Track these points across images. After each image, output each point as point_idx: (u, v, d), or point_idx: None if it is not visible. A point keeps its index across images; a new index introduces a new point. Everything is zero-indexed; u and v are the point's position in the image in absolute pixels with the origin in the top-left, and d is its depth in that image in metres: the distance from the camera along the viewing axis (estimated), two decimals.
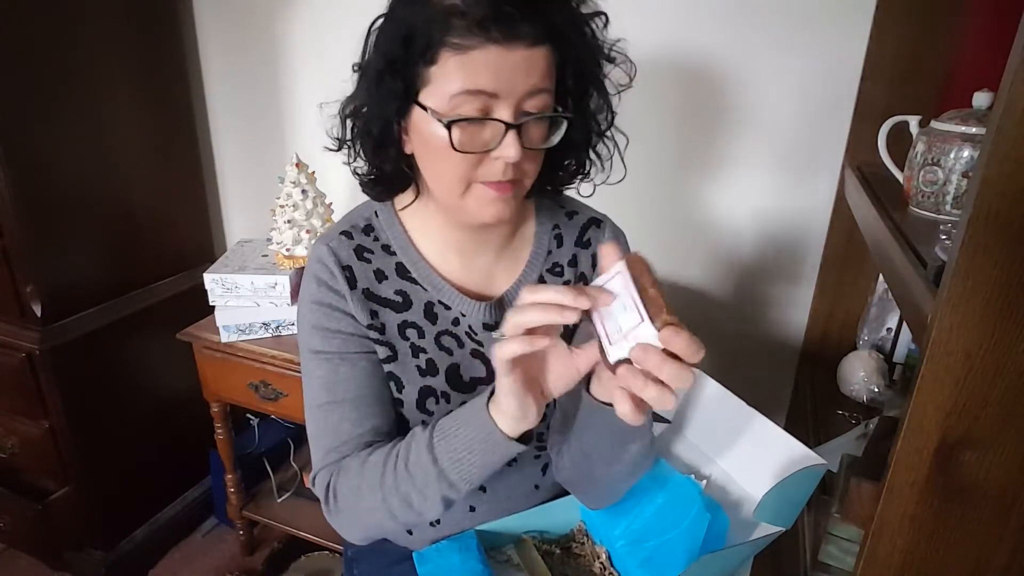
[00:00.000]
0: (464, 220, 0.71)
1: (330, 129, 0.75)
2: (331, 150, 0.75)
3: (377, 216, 0.78)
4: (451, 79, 0.61)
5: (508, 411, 0.60)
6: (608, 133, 0.75)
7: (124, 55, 1.45)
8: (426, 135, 0.65)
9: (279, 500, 1.64)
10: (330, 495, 0.72)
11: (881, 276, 1.21)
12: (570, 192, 0.83)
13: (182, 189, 1.67)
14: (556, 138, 0.67)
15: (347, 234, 0.76)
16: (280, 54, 1.57)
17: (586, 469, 0.74)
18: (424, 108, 0.64)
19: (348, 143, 0.73)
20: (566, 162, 0.76)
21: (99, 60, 1.40)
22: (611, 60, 0.71)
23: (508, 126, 0.62)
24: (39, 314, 1.36)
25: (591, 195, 0.81)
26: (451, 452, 0.64)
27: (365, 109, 0.70)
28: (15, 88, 1.25)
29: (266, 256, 1.48)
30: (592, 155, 0.77)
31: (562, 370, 0.60)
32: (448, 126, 0.62)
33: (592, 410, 0.64)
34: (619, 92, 0.74)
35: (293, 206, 1.38)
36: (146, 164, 1.55)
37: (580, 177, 0.79)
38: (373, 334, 0.74)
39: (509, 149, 0.62)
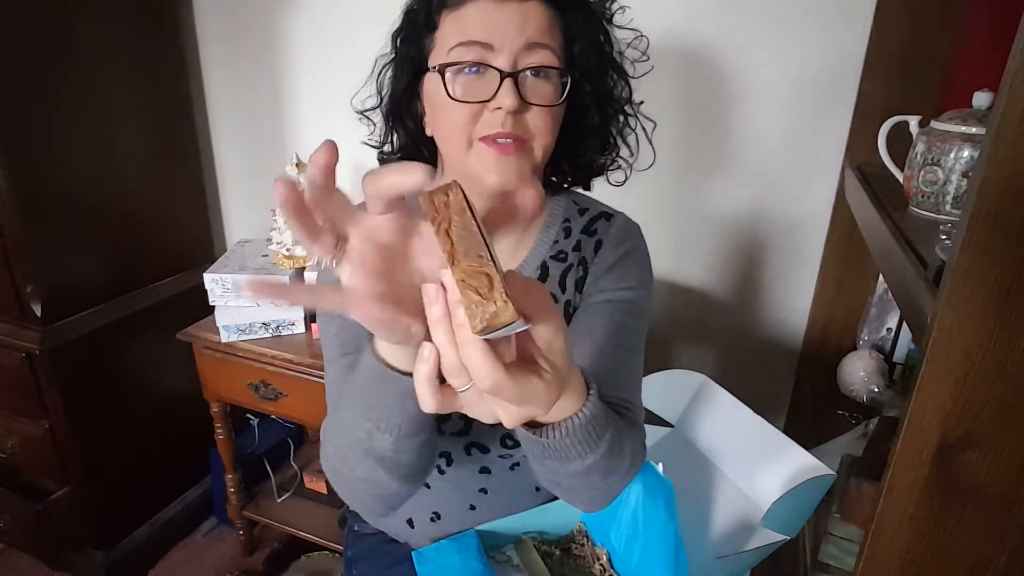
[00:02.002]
0: (475, 188, 0.70)
1: (355, 100, 0.79)
2: (363, 114, 0.79)
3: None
4: (449, 36, 0.65)
5: (384, 336, 0.47)
6: (629, 111, 0.76)
7: (124, 55, 1.45)
8: (432, 96, 0.68)
9: (279, 500, 1.64)
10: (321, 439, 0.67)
11: (881, 276, 1.21)
12: (599, 182, 0.83)
13: (182, 189, 1.67)
14: (562, 98, 0.67)
15: None
16: (280, 54, 1.57)
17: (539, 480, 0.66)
18: (429, 70, 0.67)
19: (375, 110, 0.77)
20: (587, 140, 0.75)
21: (99, 60, 1.40)
22: (608, 20, 0.71)
23: (503, 75, 0.63)
24: (39, 314, 1.36)
25: (623, 182, 0.81)
26: (362, 399, 0.56)
27: (387, 80, 0.74)
28: (15, 88, 1.25)
29: (266, 256, 1.48)
30: (616, 139, 0.77)
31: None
32: (442, 71, 0.64)
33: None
34: (635, 73, 0.75)
35: None
36: (146, 164, 1.55)
37: (608, 162, 0.79)
38: None
39: (505, 98, 0.63)
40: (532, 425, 0.53)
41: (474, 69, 0.64)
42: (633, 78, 0.76)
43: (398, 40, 0.72)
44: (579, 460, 0.56)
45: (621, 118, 0.76)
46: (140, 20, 1.47)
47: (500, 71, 0.63)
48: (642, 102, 0.78)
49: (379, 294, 0.40)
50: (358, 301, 0.40)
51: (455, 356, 0.40)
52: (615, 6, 0.73)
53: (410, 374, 0.47)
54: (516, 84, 0.63)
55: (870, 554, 0.60)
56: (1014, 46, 0.45)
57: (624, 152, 0.79)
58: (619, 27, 0.74)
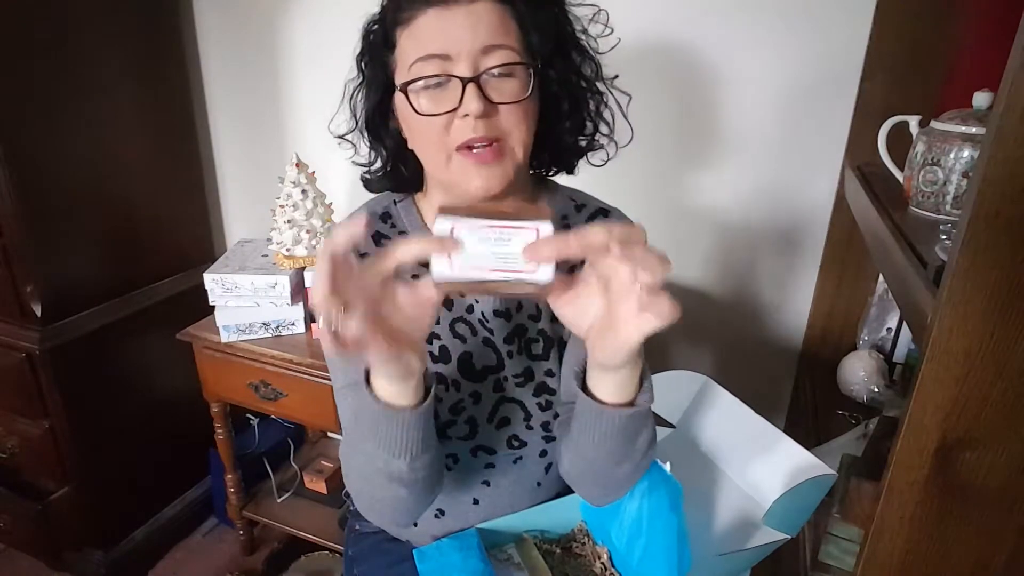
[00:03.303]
0: (461, 195, 0.70)
1: (333, 125, 0.79)
2: (342, 137, 0.79)
3: (395, 204, 0.80)
4: (407, 53, 0.65)
5: (386, 375, 0.57)
6: (601, 87, 0.75)
7: (124, 55, 1.45)
8: (404, 114, 0.68)
9: (279, 500, 1.64)
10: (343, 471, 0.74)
11: (881, 276, 1.21)
12: (582, 172, 0.83)
13: (182, 189, 1.67)
14: (528, 91, 0.66)
15: None
16: (280, 54, 1.57)
17: (591, 470, 0.71)
18: (397, 89, 0.67)
19: (353, 134, 0.78)
20: (562, 126, 0.75)
21: (99, 60, 1.40)
22: (564, 4, 0.71)
23: (464, 81, 0.63)
24: (39, 314, 1.36)
25: (603, 164, 0.81)
26: (372, 433, 0.62)
27: (359, 103, 0.74)
28: (15, 88, 1.25)
29: (266, 256, 1.48)
30: (591, 115, 0.76)
31: (411, 310, 0.54)
32: (403, 90, 0.65)
33: (595, 412, 0.62)
34: (599, 48, 0.75)
35: (293, 206, 1.38)
36: (146, 164, 1.55)
37: (586, 142, 0.78)
38: None
39: (471, 103, 0.63)
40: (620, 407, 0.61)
41: (435, 81, 0.64)
42: (600, 54, 0.75)
43: (362, 63, 0.72)
44: (645, 430, 0.66)
45: (595, 98, 0.76)
46: (140, 20, 1.47)
47: (461, 78, 0.63)
48: (616, 76, 0.77)
49: (383, 332, 0.50)
50: (370, 340, 0.49)
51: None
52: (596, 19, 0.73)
53: (405, 407, 0.58)
54: (479, 87, 0.63)
55: (870, 554, 0.60)
56: (1014, 46, 0.45)
57: (603, 129, 0.79)
58: (576, 4, 0.73)
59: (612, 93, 0.77)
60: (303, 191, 1.38)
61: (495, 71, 0.64)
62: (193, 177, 1.70)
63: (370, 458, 0.64)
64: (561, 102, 0.73)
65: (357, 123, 0.76)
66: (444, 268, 0.48)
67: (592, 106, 0.76)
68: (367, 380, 0.59)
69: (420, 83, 0.64)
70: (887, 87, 1.11)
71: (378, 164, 0.78)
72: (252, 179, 1.76)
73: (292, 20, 1.52)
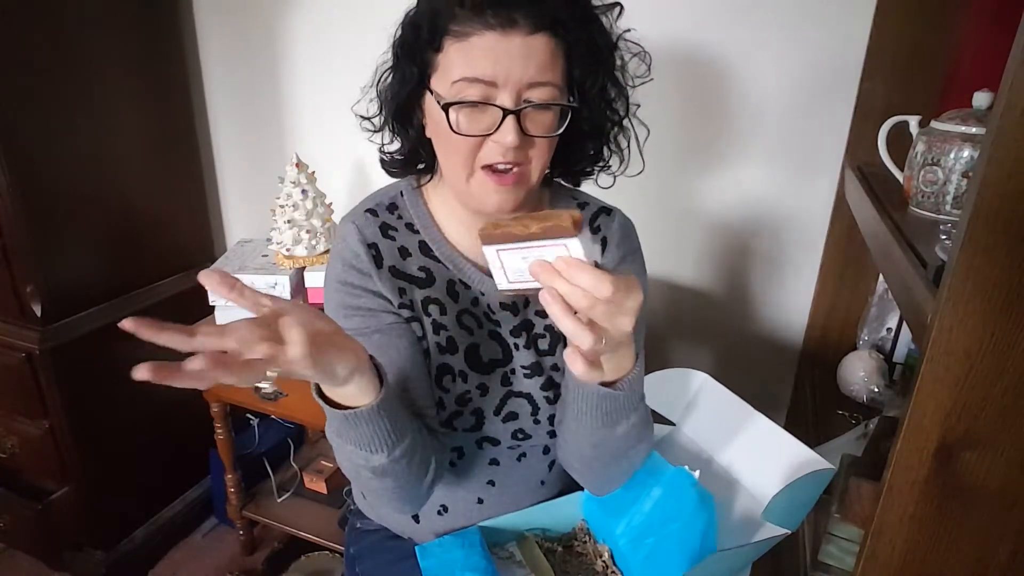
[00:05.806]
0: (472, 206, 0.73)
1: (356, 106, 0.80)
2: (364, 118, 0.80)
3: (402, 196, 0.80)
4: (453, 66, 0.65)
5: (315, 377, 0.57)
6: (625, 123, 0.77)
7: (124, 55, 1.45)
8: (436, 118, 0.68)
9: (279, 500, 1.64)
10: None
11: (881, 276, 1.21)
12: (589, 183, 0.84)
13: (182, 189, 1.67)
14: (561, 128, 0.68)
15: (372, 212, 0.78)
16: (280, 54, 1.57)
17: (577, 448, 0.75)
18: (431, 92, 0.68)
19: (377, 116, 0.78)
20: (582, 152, 0.77)
21: (99, 60, 1.40)
22: (615, 46, 0.72)
23: (506, 112, 0.64)
24: (39, 314, 1.36)
25: (610, 186, 0.82)
26: (345, 436, 0.65)
27: (388, 89, 0.75)
28: (16, 89, 1.25)
29: (266, 256, 1.48)
30: (611, 145, 0.78)
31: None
32: (445, 108, 0.65)
33: (576, 388, 0.68)
34: (634, 84, 0.76)
35: (293, 206, 1.38)
36: (146, 164, 1.54)
37: (600, 166, 0.80)
38: (406, 312, 0.76)
39: (507, 135, 0.64)
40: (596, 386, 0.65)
41: (473, 103, 0.65)
42: (630, 87, 0.76)
43: (399, 51, 0.72)
44: (625, 421, 0.69)
45: (616, 129, 0.77)
46: (140, 21, 1.47)
47: (503, 109, 0.64)
48: (638, 106, 0.78)
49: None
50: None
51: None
52: (619, 24, 0.73)
53: (363, 406, 0.60)
54: (518, 119, 0.64)
55: (870, 554, 0.60)
56: (1014, 46, 0.45)
57: (615, 159, 0.80)
58: (624, 40, 0.74)
59: (633, 125, 0.78)
60: (303, 191, 1.38)
61: (534, 105, 0.65)
62: (193, 177, 1.70)
63: (352, 458, 0.67)
64: (587, 137, 0.75)
65: (383, 108, 0.76)
66: (502, 280, 0.59)
67: (612, 137, 0.78)
68: (320, 395, 0.60)
69: (461, 104, 0.65)
70: (887, 87, 1.11)
71: (398, 148, 0.79)
72: (252, 179, 1.76)
73: (292, 20, 1.52)
